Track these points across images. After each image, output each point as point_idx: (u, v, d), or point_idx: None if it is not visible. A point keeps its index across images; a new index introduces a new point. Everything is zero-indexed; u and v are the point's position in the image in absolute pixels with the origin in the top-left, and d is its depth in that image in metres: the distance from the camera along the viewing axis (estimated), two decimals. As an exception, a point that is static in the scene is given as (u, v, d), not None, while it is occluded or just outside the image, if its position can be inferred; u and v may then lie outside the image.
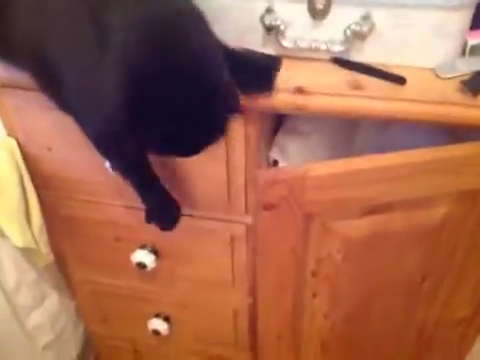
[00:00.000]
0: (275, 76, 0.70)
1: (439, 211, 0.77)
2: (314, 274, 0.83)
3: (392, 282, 0.87)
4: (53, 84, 0.68)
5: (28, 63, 0.70)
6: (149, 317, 1.16)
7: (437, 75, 0.72)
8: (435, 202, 0.76)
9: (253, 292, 1.02)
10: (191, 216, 0.92)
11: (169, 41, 0.58)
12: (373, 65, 0.73)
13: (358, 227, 0.77)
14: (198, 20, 0.62)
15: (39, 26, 0.65)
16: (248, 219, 0.90)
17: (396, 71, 0.72)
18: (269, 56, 0.75)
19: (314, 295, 0.87)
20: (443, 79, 0.72)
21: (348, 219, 0.76)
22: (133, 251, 0.99)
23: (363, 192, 0.72)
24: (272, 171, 0.75)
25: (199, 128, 0.61)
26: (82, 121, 0.70)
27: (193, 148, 0.64)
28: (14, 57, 0.72)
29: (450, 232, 0.80)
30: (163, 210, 0.81)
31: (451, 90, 0.70)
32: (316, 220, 0.76)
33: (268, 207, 0.71)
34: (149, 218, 0.81)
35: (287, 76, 0.73)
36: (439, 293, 0.90)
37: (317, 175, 0.69)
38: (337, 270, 0.83)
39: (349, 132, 0.98)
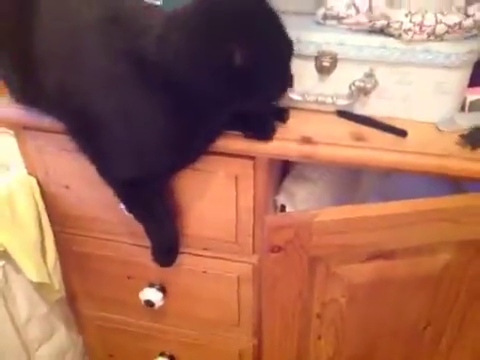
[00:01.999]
0: (275, 127, 0.76)
1: (441, 258, 0.79)
2: (319, 317, 0.85)
3: (395, 328, 0.88)
4: (87, 133, 0.73)
5: (63, 112, 0.75)
6: (154, 356, 1.16)
7: (438, 129, 0.76)
8: (437, 250, 0.78)
9: (258, 333, 1.03)
10: (199, 255, 0.95)
11: None
12: (376, 118, 0.77)
13: (362, 272, 0.79)
14: None
15: (76, 79, 0.71)
16: (255, 259, 0.92)
17: (398, 124, 0.76)
18: (278, 108, 0.80)
19: (319, 337, 0.88)
20: (443, 133, 0.75)
21: (352, 264, 0.79)
22: (142, 289, 1.02)
23: (367, 238, 0.75)
24: (279, 216, 0.78)
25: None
26: (111, 166, 0.75)
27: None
28: (45, 105, 0.77)
29: (451, 279, 0.81)
30: (166, 251, 0.88)
31: (451, 144, 0.73)
32: (321, 264, 0.78)
33: (275, 250, 0.74)
34: (153, 255, 0.88)
35: (295, 126, 0.78)
36: (442, 341, 0.90)
37: (323, 221, 0.72)
38: (341, 314, 0.84)
39: (354, 179, 1.02)
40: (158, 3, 0.99)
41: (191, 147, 0.73)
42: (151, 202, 0.81)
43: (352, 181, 1.00)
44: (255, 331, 1.04)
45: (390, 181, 0.98)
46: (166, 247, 0.88)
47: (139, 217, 0.83)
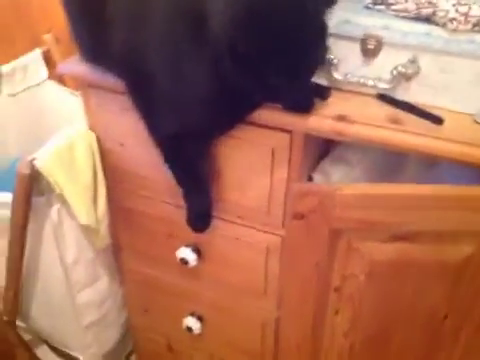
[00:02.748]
0: (313, 102, 0.79)
1: (464, 249, 0.80)
2: (337, 291, 0.88)
3: (413, 313, 0.89)
4: (143, 89, 0.81)
5: (124, 69, 0.83)
6: (185, 315, 1.24)
7: (475, 121, 0.77)
8: (461, 239, 0.79)
9: (281, 305, 1.07)
10: (233, 223, 1.00)
11: None
12: (414, 104, 0.79)
13: (383, 251, 0.81)
14: None
15: (138, 40, 0.78)
16: (284, 232, 0.96)
17: (437, 112, 0.77)
18: (319, 85, 0.83)
19: (336, 312, 0.91)
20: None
21: (374, 241, 0.81)
22: (179, 248, 1.09)
23: (389, 217, 0.77)
24: (306, 184, 0.82)
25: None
26: (159, 122, 0.82)
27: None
28: (110, 63, 0.85)
29: (474, 273, 0.81)
30: (200, 217, 0.94)
31: (486, 135, 0.74)
32: (343, 238, 0.81)
33: (298, 217, 0.78)
34: (188, 220, 0.94)
35: (334, 105, 0.81)
36: (460, 335, 0.91)
37: (347, 194, 0.75)
38: (360, 290, 0.87)
39: (395, 168, 1.03)
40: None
41: (229, 110, 0.79)
42: (191, 164, 0.87)
43: (393, 170, 1.01)
44: (279, 304, 1.08)
45: (433, 172, 0.98)
46: (200, 213, 0.94)
47: (179, 178, 0.90)
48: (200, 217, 0.95)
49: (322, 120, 0.78)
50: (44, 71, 1.37)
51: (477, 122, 0.76)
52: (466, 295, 0.85)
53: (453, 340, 0.92)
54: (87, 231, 1.07)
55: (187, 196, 0.91)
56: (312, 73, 0.73)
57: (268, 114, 0.81)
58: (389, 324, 0.91)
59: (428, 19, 0.75)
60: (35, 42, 1.38)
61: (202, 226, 0.95)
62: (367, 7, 0.80)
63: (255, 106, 0.80)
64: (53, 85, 1.37)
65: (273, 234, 0.98)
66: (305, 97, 0.79)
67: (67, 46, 0.94)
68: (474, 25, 0.71)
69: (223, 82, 0.74)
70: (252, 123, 0.83)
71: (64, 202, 1.00)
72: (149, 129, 0.84)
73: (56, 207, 1.01)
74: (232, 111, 0.79)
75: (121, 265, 1.26)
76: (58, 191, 0.96)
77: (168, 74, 0.77)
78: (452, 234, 0.78)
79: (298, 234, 0.81)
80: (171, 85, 0.78)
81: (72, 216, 1.03)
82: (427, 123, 0.77)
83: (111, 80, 0.88)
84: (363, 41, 0.78)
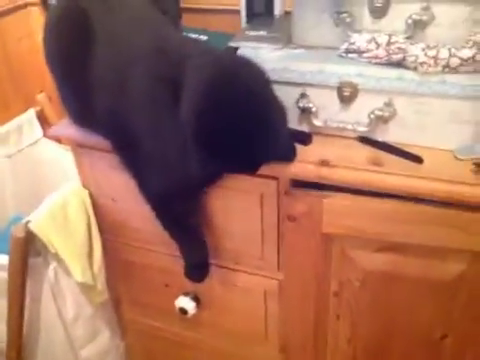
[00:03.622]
0: (296, 150, 0.82)
1: (455, 267, 0.82)
2: (336, 295, 0.92)
3: (410, 327, 0.91)
4: (128, 151, 0.84)
5: (109, 133, 0.87)
6: (188, 364, 1.23)
7: (455, 157, 0.79)
8: (450, 257, 0.81)
9: (284, 348, 1.07)
10: (231, 269, 1.01)
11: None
12: (394, 144, 0.81)
13: (373, 261, 0.86)
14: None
15: (120, 105, 0.81)
16: (280, 275, 0.97)
17: (416, 151, 0.79)
18: (301, 132, 0.86)
19: (338, 317, 0.95)
20: (460, 161, 0.78)
21: (365, 250, 0.85)
22: (177, 296, 1.09)
23: (377, 227, 0.81)
24: (297, 190, 0.84)
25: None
26: (147, 182, 0.84)
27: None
28: (96, 126, 0.88)
29: (469, 293, 0.84)
30: (197, 268, 0.95)
31: (466, 171, 0.75)
32: (336, 244, 0.87)
33: (291, 219, 0.85)
34: (186, 272, 0.95)
35: (316, 150, 0.84)
36: (466, 357, 0.91)
37: (333, 202, 0.81)
38: (356, 297, 0.91)
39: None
40: (204, 38, 1.10)
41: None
42: (183, 219, 0.89)
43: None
44: (282, 347, 1.08)
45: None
46: (197, 264, 0.95)
47: (173, 234, 0.91)
48: (197, 268, 0.95)
49: (306, 166, 0.80)
50: (39, 130, 1.40)
51: (457, 158, 0.78)
52: (465, 316, 0.86)
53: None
54: (84, 288, 1.07)
55: (182, 249, 0.93)
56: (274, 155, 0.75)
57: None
58: (387, 335, 0.94)
59: (399, 64, 0.78)
60: (29, 102, 1.42)
61: (200, 277, 0.96)
62: (340, 56, 0.83)
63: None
64: (48, 143, 1.40)
65: (269, 278, 0.99)
66: (287, 149, 0.81)
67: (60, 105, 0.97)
68: (444, 67, 0.74)
69: None
70: (239, 172, 0.85)
71: (60, 260, 1.01)
72: (139, 188, 0.86)
73: (52, 266, 1.02)
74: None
75: (121, 318, 1.26)
76: (53, 251, 0.97)
77: (150, 137, 0.80)
78: (441, 250, 0.81)
79: (293, 234, 0.88)
80: (154, 147, 0.80)
81: (69, 274, 1.04)
82: (407, 162, 0.79)
83: (99, 140, 0.91)
84: (339, 89, 0.81)
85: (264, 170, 0.83)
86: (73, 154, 1.02)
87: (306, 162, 0.81)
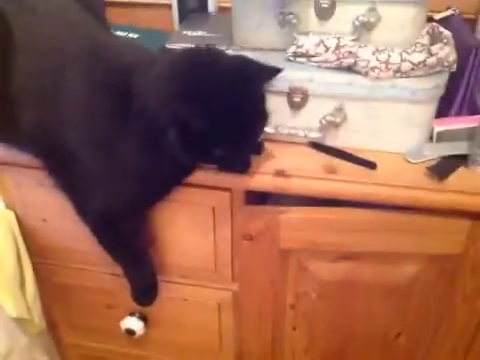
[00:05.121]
0: (250, 161, 0.78)
1: (409, 270, 0.84)
2: (293, 307, 0.91)
3: (367, 331, 0.92)
4: (64, 168, 0.75)
5: (39, 150, 0.77)
6: (137, 382, 1.17)
7: (406, 160, 0.79)
8: (405, 260, 0.83)
9: (239, 356, 1.04)
10: (179, 283, 0.96)
11: None
12: (347, 150, 0.80)
13: (331, 271, 0.85)
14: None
15: (52, 118, 0.72)
16: (235, 286, 0.94)
17: (369, 155, 0.78)
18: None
19: (294, 328, 0.94)
20: (412, 164, 0.78)
21: (322, 262, 0.85)
22: (123, 318, 1.02)
23: (333, 238, 0.81)
24: (252, 207, 0.82)
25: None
26: (86, 202, 0.76)
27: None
28: (21, 143, 0.78)
29: (421, 293, 0.86)
30: (145, 291, 0.89)
31: (419, 175, 0.76)
32: (293, 257, 0.85)
33: (247, 238, 0.82)
34: (133, 296, 0.89)
35: (269, 159, 0.80)
36: (417, 352, 0.94)
37: (290, 217, 0.80)
38: (314, 307, 0.90)
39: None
40: (134, 36, 1.01)
41: (164, 180, 0.75)
42: (129, 241, 0.82)
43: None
44: (236, 355, 1.05)
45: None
46: (145, 287, 0.88)
47: (117, 258, 0.84)
48: (145, 291, 0.89)
49: (261, 177, 0.77)
50: None
51: (408, 161, 0.78)
52: (418, 314, 0.89)
53: (409, 358, 0.96)
54: (19, 320, 0.97)
55: (128, 274, 0.85)
56: (256, 139, 0.72)
57: (206, 175, 0.78)
58: (345, 341, 0.95)
59: (350, 68, 0.76)
60: None
61: (149, 300, 0.90)
62: (288, 60, 0.79)
63: (190, 171, 0.77)
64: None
65: (223, 290, 0.95)
66: (242, 159, 0.76)
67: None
68: (395, 71, 0.73)
69: (155, 154, 0.70)
70: (189, 184, 0.79)
71: (-13, 293, 0.90)
72: (76, 210, 0.77)
73: (-22, 300, 0.91)
74: (166, 180, 0.76)
75: (59, 343, 1.16)
76: (-21, 285, 0.86)
77: (90, 150, 0.72)
78: (394, 256, 0.82)
79: (249, 253, 0.85)
80: (94, 162, 0.72)
81: (-1, 307, 0.92)
82: (362, 169, 0.78)
83: (25, 157, 0.80)
84: (289, 95, 0.78)
85: (216, 181, 0.79)
86: (-6, 173, 0.90)
87: (261, 173, 0.77)
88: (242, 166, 0.76)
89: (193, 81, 0.64)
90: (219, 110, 0.63)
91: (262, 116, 0.70)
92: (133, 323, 1.01)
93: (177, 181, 0.77)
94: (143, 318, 1.02)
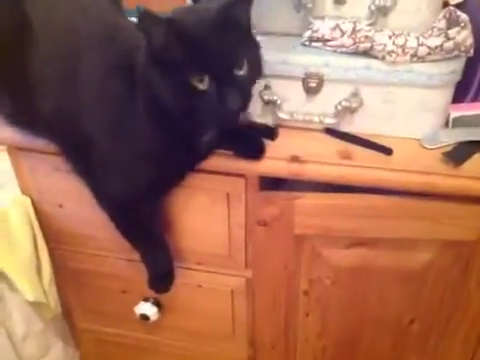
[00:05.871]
0: (264, 146, 0.77)
1: (423, 256, 0.84)
2: (306, 294, 0.91)
3: (379, 317, 0.92)
4: (81, 153, 0.75)
5: (58, 136, 0.77)
6: (150, 368, 1.18)
7: (422, 145, 0.78)
8: (419, 246, 0.83)
9: (253, 342, 1.05)
10: (194, 270, 0.96)
11: None
12: (362, 136, 0.79)
13: (345, 257, 0.85)
14: None
15: (71, 104, 0.72)
16: (248, 273, 0.94)
17: (384, 141, 0.78)
18: (267, 126, 0.82)
19: (307, 314, 0.95)
20: (428, 150, 0.77)
21: (337, 248, 0.85)
22: (137, 303, 1.03)
23: (348, 224, 0.81)
24: (267, 193, 0.82)
25: None
26: (104, 187, 0.76)
27: None
28: (39, 129, 0.79)
29: (435, 280, 0.86)
30: (162, 278, 0.89)
31: (435, 161, 0.75)
32: (307, 243, 0.85)
33: (261, 223, 0.82)
34: (149, 283, 0.89)
35: (284, 144, 0.80)
36: (430, 339, 0.94)
37: (305, 203, 0.79)
38: (327, 294, 0.90)
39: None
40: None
41: (178, 161, 0.75)
42: (147, 226, 0.82)
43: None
44: (250, 341, 1.05)
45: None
46: (162, 274, 0.88)
47: (135, 244, 0.84)
48: (162, 278, 0.89)
49: (276, 163, 0.77)
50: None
51: (424, 147, 0.78)
52: (431, 301, 0.89)
53: (422, 344, 0.96)
54: (35, 304, 0.98)
55: (145, 259, 0.86)
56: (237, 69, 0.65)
57: (220, 160, 0.78)
58: (358, 327, 0.95)
59: (366, 53, 0.75)
60: None
61: (165, 287, 0.90)
62: (303, 44, 0.79)
63: (205, 155, 0.77)
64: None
65: (237, 276, 0.95)
66: (256, 143, 0.77)
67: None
68: (412, 56, 0.72)
69: (164, 133, 0.70)
70: (204, 170, 0.80)
71: (4, 278, 0.91)
72: (94, 195, 0.78)
73: (-3, 285, 0.92)
74: (181, 161, 0.75)
75: (74, 328, 1.17)
76: (-2, 270, 0.87)
77: (107, 134, 0.72)
78: (410, 242, 0.82)
79: (263, 239, 0.85)
80: (112, 146, 0.73)
81: (15, 291, 0.94)
82: (377, 154, 0.77)
83: (41, 142, 0.81)
84: (305, 80, 0.78)
85: (230, 167, 0.79)
86: (11, 158, 0.91)
87: (275, 158, 0.77)
88: (256, 148, 0.76)
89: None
90: (187, 34, 0.61)
91: (242, 44, 0.64)
92: (147, 308, 1.02)
93: (192, 163, 0.77)
94: (157, 304, 1.03)
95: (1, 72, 0.77)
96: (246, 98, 0.66)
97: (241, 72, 0.63)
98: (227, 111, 0.63)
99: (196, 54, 0.61)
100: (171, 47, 0.61)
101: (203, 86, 0.62)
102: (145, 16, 0.59)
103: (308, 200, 0.79)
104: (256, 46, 0.67)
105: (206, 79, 0.62)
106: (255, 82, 0.68)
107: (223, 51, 0.62)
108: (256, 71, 0.67)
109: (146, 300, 1.03)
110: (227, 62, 0.62)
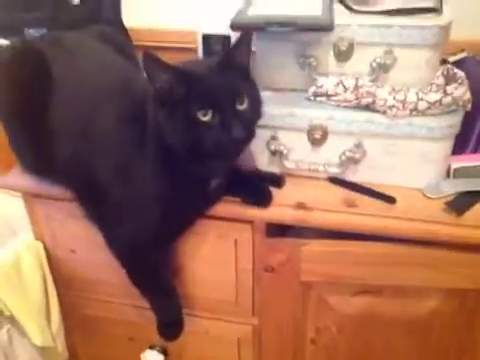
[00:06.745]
0: (271, 194, 0.80)
1: (428, 304, 0.84)
2: (313, 342, 0.91)
3: None
4: (94, 200, 0.78)
5: (72, 183, 0.81)
6: None
7: (424, 195, 0.81)
8: (424, 294, 0.83)
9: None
10: (201, 317, 0.97)
11: None
12: (366, 185, 0.82)
13: (351, 304, 0.86)
14: None
15: (86, 151, 0.76)
16: (255, 321, 0.94)
17: (387, 190, 0.81)
18: (274, 175, 0.85)
19: None
20: (430, 199, 0.80)
21: (343, 295, 0.86)
22: (143, 350, 1.03)
23: (354, 272, 0.82)
24: (274, 239, 0.83)
25: None
26: (116, 233, 0.79)
27: None
28: (55, 176, 0.82)
29: (441, 328, 0.86)
30: (171, 325, 0.89)
31: (437, 210, 0.78)
32: (313, 291, 0.86)
33: (268, 270, 0.84)
34: (158, 330, 0.89)
35: (290, 192, 0.83)
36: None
37: (312, 249, 0.81)
38: (334, 342, 0.90)
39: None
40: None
41: (187, 207, 0.77)
42: (156, 273, 0.84)
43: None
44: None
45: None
46: (171, 321, 0.89)
47: (145, 291, 0.86)
48: (171, 326, 0.89)
49: (282, 210, 0.79)
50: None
51: (426, 196, 0.80)
52: (438, 351, 0.89)
53: None
54: (43, 349, 0.98)
55: (155, 306, 0.87)
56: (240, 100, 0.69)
57: (228, 207, 0.81)
58: None
59: (368, 107, 0.79)
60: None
61: (174, 335, 0.90)
62: (308, 99, 0.84)
63: (213, 201, 0.80)
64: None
65: (244, 324, 0.96)
66: (263, 191, 0.79)
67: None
68: (411, 110, 0.76)
69: (174, 180, 0.73)
70: (212, 216, 0.82)
71: (14, 322, 0.92)
72: (106, 242, 0.80)
73: (6, 329, 0.93)
74: (190, 207, 0.78)
75: (80, 375, 1.16)
76: (8, 313, 0.88)
77: (120, 180, 0.75)
78: (415, 289, 0.83)
79: (270, 286, 0.86)
80: (124, 191, 0.75)
81: (24, 335, 0.94)
82: (381, 203, 0.80)
83: (56, 189, 0.85)
84: (310, 132, 0.81)
85: (238, 214, 0.81)
86: (26, 205, 0.94)
87: (282, 205, 0.80)
88: (263, 196, 0.78)
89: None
90: (190, 75, 0.66)
91: (242, 82, 0.69)
92: (154, 356, 1.02)
93: (201, 209, 0.80)
94: (164, 351, 1.03)
95: (25, 126, 0.82)
96: (249, 130, 0.69)
97: (242, 106, 0.67)
98: (232, 140, 0.66)
99: (199, 91, 0.65)
100: (174, 88, 0.65)
101: (208, 118, 0.66)
102: (149, 60, 0.63)
103: (314, 247, 0.81)
104: (255, 86, 0.72)
105: (210, 113, 0.66)
106: (257, 119, 0.72)
107: (225, 87, 0.66)
108: (256, 107, 0.71)
109: (152, 348, 1.03)
110: (229, 97, 0.66)
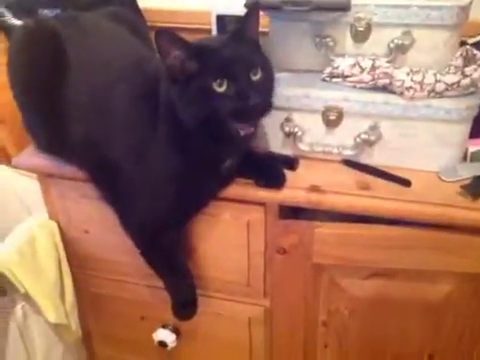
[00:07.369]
0: (285, 176, 0.80)
1: (442, 288, 0.84)
2: (325, 325, 0.91)
3: (399, 352, 0.92)
4: (108, 180, 0.78)
5: (86, 162, 0.81)
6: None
7: (440, 178, 0.80)
8: (438, 278, 0.83)
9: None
10: (213, 297, 0.97)
11: None
12: (380, 168, 0.81)
13: (363, 288, 0.86)
14: None
15: (100, 130, 0.77)
16: (266, 302, 0.95)
17: (402, 173, 0.80)
18: (288, 157, 0.84)
19: (325, 346, 0.94)
20: (446, 182, 0.79)
21: (355, 278, 0.85)
22: (155, 330, 1.04)
23: (366, 255, 0.81)
24: (287, 221, 0.83)
25: None
26: (131, 213, 0.79)
27: None
28: (69, 155, 0.83)
29: (455, 313, 0.85)
30: (185, 305, 0.90)
31: (453, 193, 0.77)
32: (325, 273, 0.86)
33: (280, 251, 0.84)
34: (173, 310, 0.90)
35: (304, 175, 0.82)
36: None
37: (324, 232, 0.81)
38: (345, 325, 0.90)
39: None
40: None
41: (203, 189, 0.77)
42: (170, 253, 0.85)
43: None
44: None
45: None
46: (185, 301, 0.90)
47: (160, 271, 0.87)
48: (185, 305, 0.90)
49: (296, 192, 0.79)
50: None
51: (442, 179, 0.79)
52: (451, 334, 0.88)
53: None
54: (56, 327, 1.00)
55: (169, 286, 0.88)
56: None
57: (241, 189, 0.81)
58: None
59: (385, 88, 0.78)
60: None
61: (189, 314, 0.91)
62: (324, 80, 0.83)
63: (226, 182, 0.79)
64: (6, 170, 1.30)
65: (255, 305, 0.96)
66: (276, 173, 0.79)
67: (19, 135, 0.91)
68: (429, 92, 0.75)
69: (188, 158, 0.73)
70: (225, 198, 0.82)
71: (29, 299, 0.94)
72: (121, 221, 0.81)
73: (20, 305, 0.94)
74: (202, 187, 0.78)
75: (92, 353, 1.18)
76: (23, 291, 0.89)
77: (133, 160, 0.75)
78: (429, 274, 0.82)
79: (282, 267, 0.86)
80: (138, 172, 0.76)
81: (38, 312, 0.96)
82: (395, 186, 0.79)
83: (71, 169, 0.85)
84: (324, 113, 0.81)
85: (251, 196, 0.81)
86: (41, 185, 0.95)
87: (295, 188, 0.79)
88: (277, 178, 0.78)
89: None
90: (203, 48, 0.66)
91: (254, 54, 0.69)
92: (166, 335, 1.03)
93: (214, 190, 0.80)
94: (176, 331, 1.04)
95: (39, 104, 0.82)
96: (265, 100, 0.68)
97: (257, 77, 0.67)
98: (250, 108, 0.66)
99: (214, 62, 0.65)
100: (187, 63, 0.65)
101: (223, 89, 0.65)
102: (162, 35, 0.63)
103: (328, 229, 0.81)
104: (267, 59, 0.71)
105: (225, 83, 0.65)
106: (271, 91, 0.71)
107: (239, 57, 0.66)
108: (270, 79, 0.70)
109: (165, 327, 1.04)
110: (244, 67, 0.66)
